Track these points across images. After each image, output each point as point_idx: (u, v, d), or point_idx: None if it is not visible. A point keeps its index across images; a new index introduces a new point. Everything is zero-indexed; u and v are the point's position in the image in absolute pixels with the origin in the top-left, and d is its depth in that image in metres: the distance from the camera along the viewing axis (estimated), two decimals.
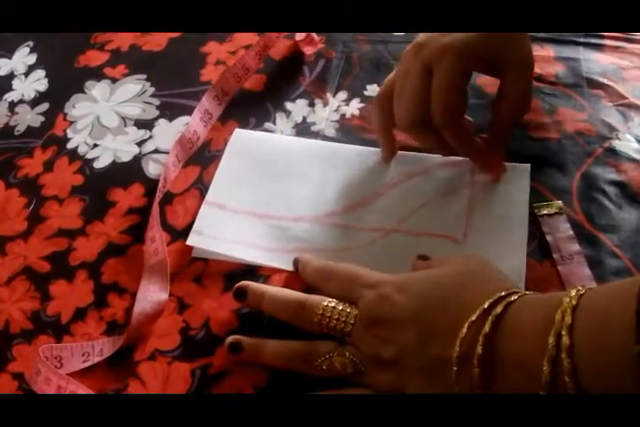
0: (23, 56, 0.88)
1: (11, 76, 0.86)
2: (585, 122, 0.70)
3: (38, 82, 0.85)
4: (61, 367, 0.59)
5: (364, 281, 0.56)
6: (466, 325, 0.48)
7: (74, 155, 0.75)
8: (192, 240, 0.65)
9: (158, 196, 0.68)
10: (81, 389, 0.57)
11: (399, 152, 0.70)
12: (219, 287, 0.63)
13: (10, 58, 0.89)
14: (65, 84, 0.84)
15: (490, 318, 0.47)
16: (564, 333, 0.43)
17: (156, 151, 0.74)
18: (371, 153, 0.71)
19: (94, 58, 0.86)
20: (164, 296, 0.62)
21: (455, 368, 0.47)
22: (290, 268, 0.63)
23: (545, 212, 0.63)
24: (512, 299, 0.48)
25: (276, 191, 0.69)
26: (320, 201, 0.68)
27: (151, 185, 0.70)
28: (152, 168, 0.72)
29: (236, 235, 0.66)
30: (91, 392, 0.57)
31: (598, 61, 0.76)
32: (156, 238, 0.64)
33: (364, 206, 0.67)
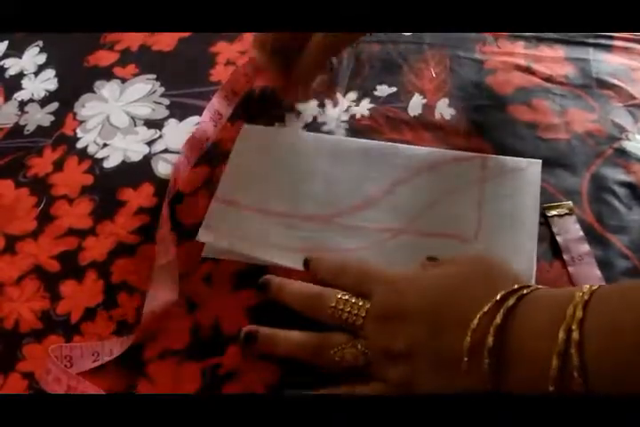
0: (33, 55, 0.88)
1: (20, 75, 0.86)
2: (595, 123, 0.71)
3: (48, 81, 0.85)
4: (71, 367, 0.59)
5: (377, 276, 0.56)
6: (477, 316, 0.48)
7: (83, 154, 0.75)
8: (201, 236, 0.65)
9: (168, 196, 0.68)
10: (91, 389, 0.57)
11: (407, 146, 0.70)
12: (228, 287, 0.63)
13: (20, 57, 0.89)
14: (75, 83, 0.84)
15: (502, 310, 0.47)
16: (574, 327, 0.43)
17: (166, 151, 0.74)
18: (380, 147, 0.71)
19: (104, 58, 0.86)
20: (173, 296, 0.62)
21: (466, 359, 0.47)
22: (299, 267, 0.63)
23: (555, 212, 0.63)
24: (524, 292, 0.48)
25: (285, 188, 0.69)
26: (329, 199, 0.68)
27: (161, 185, 0.70)
28: (162, 168, 0.72)
29: (246, 232, 0.66)
30: (101, 392, 0.57)
31: (608, 62, 0.76)
32: (165, 238, 0.64)
33: (373, 205, 0.67)
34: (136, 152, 0.74)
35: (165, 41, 0.86)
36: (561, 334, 0.43)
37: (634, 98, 0.72)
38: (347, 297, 0.56)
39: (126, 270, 0.65)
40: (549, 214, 0.64)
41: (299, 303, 0.58)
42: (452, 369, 0.49)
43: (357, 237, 0.65)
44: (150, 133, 0.76)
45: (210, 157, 0.73)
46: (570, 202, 0.64)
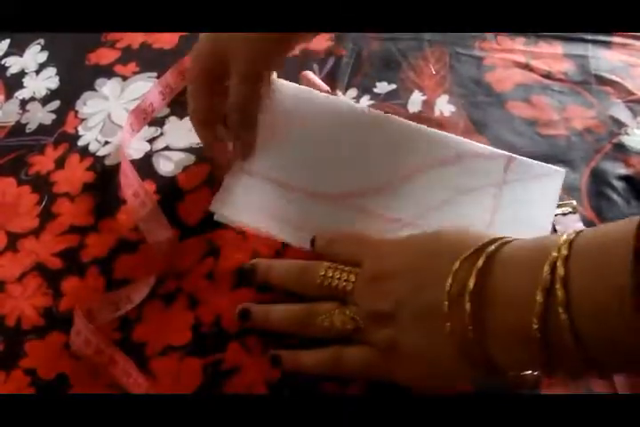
0: (34, 54, 0.88)
1: (22, 73, 0.87)
2: (594, 119, 0.71)
3: (49, 79, 0.85)
4: (93, 321, 0.61)
5: (366, 243, 0.58)
6: (458, 261, 0.48)
7: (85, 152, 0.75)
8: (215, 207, 0.66)
9: (124, 154, 0.71)
10: (118, 354, 0.59)
11: (438, 131, 0.68)
12: (230, 284, 0.63)
13: (21, 56, 0.89)
14: (76, 81, 0.84)
15: (483, 254, 0.47)
16: (559, 264, 0.43)
17: (167, 148, 0.74)
18: (412, 129, 0.68)
19: (105, 56, 0.86)
20: (170, 233, 0.65)
21: (446, 303, 0.47)
22: (305, 245, 0.63)
23: (559, 211, 0.63)
24: (508, 240, 0.49)
25: (304, 161, 0.68)
26: (346, 177, 0.67)
27: (162, 182, 0.71)
28: (163, 165, 0.72)
29: (259, 204, 0.66)
30: (129, 361, 0.59)
31: (607, 58, 0.76)
32: (139, 193, 0.67)
33: (388, 190, 0.66)
34: (137, 150, 0.74)
35: (166, 39, 0.86)
36: (546, 268, 0.43)
37: (632, 94, 0.72)
38: (335, 265, 0.57)
39: (128, 267, 0.66)
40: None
41: (288, 279, 0.59)
42: (433, 319, 0.49)
43: (365, 222, 0.64)
44: (151, 131, 0.76)
45: None
46: (573, 201, 0.64)
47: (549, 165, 0.65)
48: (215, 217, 0.66)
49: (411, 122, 0.68)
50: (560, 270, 0.42)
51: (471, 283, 0.46)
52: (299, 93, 0.70)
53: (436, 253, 0.51)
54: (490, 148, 0.66)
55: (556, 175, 0.65)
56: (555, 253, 0.43)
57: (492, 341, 0.46)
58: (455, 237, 0.52)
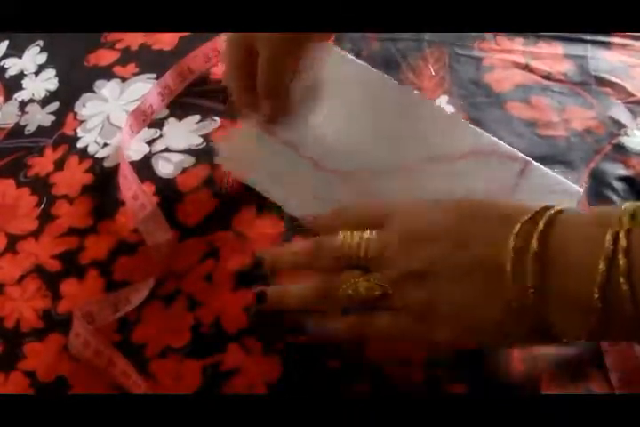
0: (33, 55, 0.88)
1: (21, 75, 0.87)
2: (593, 119, 0.70)
3: (49, 81, 0.85)
4: (93, 322, 0.61)
5: (390, 203, 0.56)
6: (519, 224, 0.47)
7: (84, 154, 0.75)
8: (223, 160, 0.66)
9: (124, 156, 0.71)
10: (117, 355, 0.59)
11: (471, 127, 0.66)
12: (229, 285, 0.63)
13: (20, 57, 0.89)
14: (75, 83, 0.84)
15: (544, 217, 0.46)
16: (621, 235, 0.42)
17: (167, 150, 0.74)
18: (445, 117, 0.67)
19: (104, 57, 0.86)
20: (169, 235, 0.65)
21: (509, 264, 0.46)
22: (295, 213, 0.63)
23: None
24: (560, 209, 0.48)
25: (326, 127, 0.67)
26: (360, 156, 0.65)
27: (162, 184, 0.70)
28: (162, 167, 0.72)
29: (269, 166, 0.66)
30: (128, 363, 0.58)
31: (606, 59, 0.76)
32: (138, 195, 0.67)
33: (399, 176, 0.64)
34: (136, 151, 0.74)
35: (166, 40, 0.86)
36: (608, 238, 0.42)
37: (632, 95, 0.72)
38: (350, 231, 0.54)
39: (127, 269, 0.66)
40: None
41: (301, 259, 0.56)
42: (481, 279, 0.48)
43: None
44: (151, 133, 0.76)
45: (210, 155, 0.72)
46: None
47: (568, 182, 0.63)
48: (223, 168, 0.66)
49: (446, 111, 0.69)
50: (622, 242, 0.42)
51: (534, 244, 0.45)
52: (345, 64, 0.70)
53: (484, 217, 0.50)
54: (509, 147, 0.64)
55: (572, 194, 0.62)
56: (616, 225, 0.43)
57: (550, 306, 0.45)
58: (505, 204, 0.51)
